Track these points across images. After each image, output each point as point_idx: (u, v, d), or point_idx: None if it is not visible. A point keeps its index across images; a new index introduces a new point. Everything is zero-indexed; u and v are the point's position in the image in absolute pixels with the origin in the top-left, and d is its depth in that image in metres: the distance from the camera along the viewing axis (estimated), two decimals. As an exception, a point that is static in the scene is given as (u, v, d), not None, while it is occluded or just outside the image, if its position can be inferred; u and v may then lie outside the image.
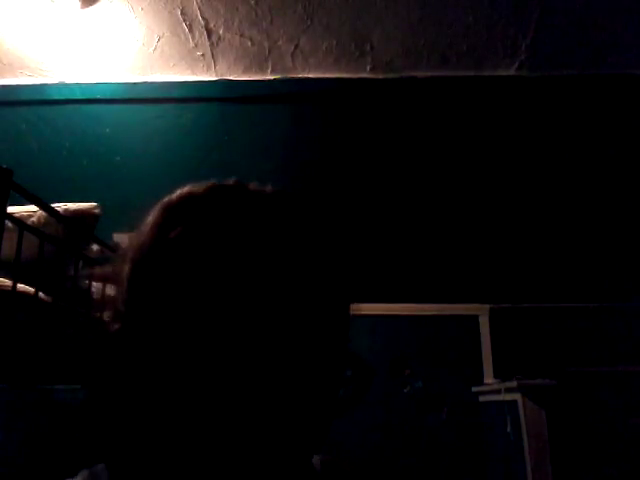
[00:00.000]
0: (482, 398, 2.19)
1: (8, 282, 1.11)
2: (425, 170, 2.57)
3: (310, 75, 2.69)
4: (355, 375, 0.43)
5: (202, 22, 2.38)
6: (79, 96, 2.72)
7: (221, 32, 2.44)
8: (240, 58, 2.60)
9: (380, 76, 2.68)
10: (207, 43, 2.51)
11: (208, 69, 2.67)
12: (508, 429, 1.95)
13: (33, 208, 1.35)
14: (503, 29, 2.41)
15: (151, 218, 0.42)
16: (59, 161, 2.64)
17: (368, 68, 2.65)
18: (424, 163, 2.58)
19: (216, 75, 2.71)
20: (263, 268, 0.38)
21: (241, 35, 2.46)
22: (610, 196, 2.50)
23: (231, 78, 2.71)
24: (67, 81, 2.72)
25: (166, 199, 0.43)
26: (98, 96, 2.72)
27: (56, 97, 2.72)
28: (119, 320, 0.41)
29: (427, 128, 2.64)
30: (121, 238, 2.50)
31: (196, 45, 2.52)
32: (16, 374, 1.21)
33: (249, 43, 2.51)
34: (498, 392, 2.05)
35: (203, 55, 2.58)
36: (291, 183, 2.57)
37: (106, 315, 0.43)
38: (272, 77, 2.70)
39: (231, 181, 0.43)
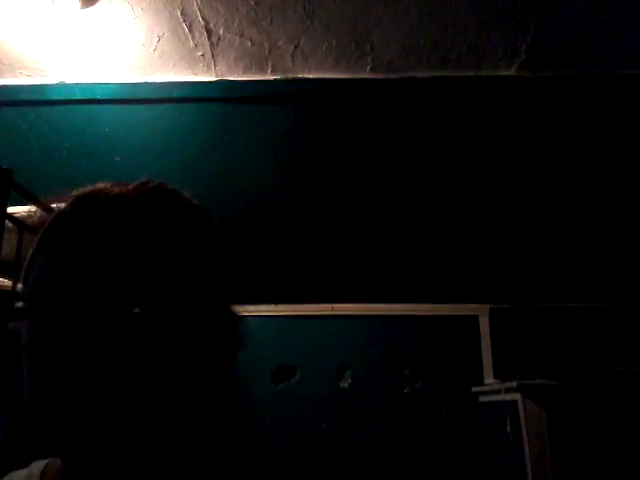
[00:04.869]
0: (482, 398, 2.19)
1: (8, 282, 1.11)
2: (425, 170, 2.57)
3: (310, 75, 2.69)
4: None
5: (202, 22, 2.38)
6: (79, 96, 2.72)
7: (221, 32, 2.44)
8: (240, 58, 2.60)
9: (380, 76, 2.68)
10: (207, 43, 2.51)
11: (208, 69, 2.67)
12: (508, 429, 1.95)
13: (33, 208, 1.35)
14: (503, 29, 2.41)
15: None
16: (59, 161, 2.63)
17: (368, 68, 2.65)
18: (424, 163, 2.58)
19: (216, 75, 2.71)
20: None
21: (241, 35, 2.46)
22: (610, 196, 2.50)
23: (231, 78, 2.71)
24: (67, 81, 2.72)
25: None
26: (98, 96, 2.72)
27: (56, 97, 2.72)
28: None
29: (427, 128, 2.64)
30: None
31: (196, 45, 2.52)
32: (18, 375, 1.21)
33: (249, 43, 2.51)
34: (498, 392, 2.05)
35: (203, 55, 2.58)
36: (291, 183, 2.58)
37: None
38: (272, 77, 2.70)
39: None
